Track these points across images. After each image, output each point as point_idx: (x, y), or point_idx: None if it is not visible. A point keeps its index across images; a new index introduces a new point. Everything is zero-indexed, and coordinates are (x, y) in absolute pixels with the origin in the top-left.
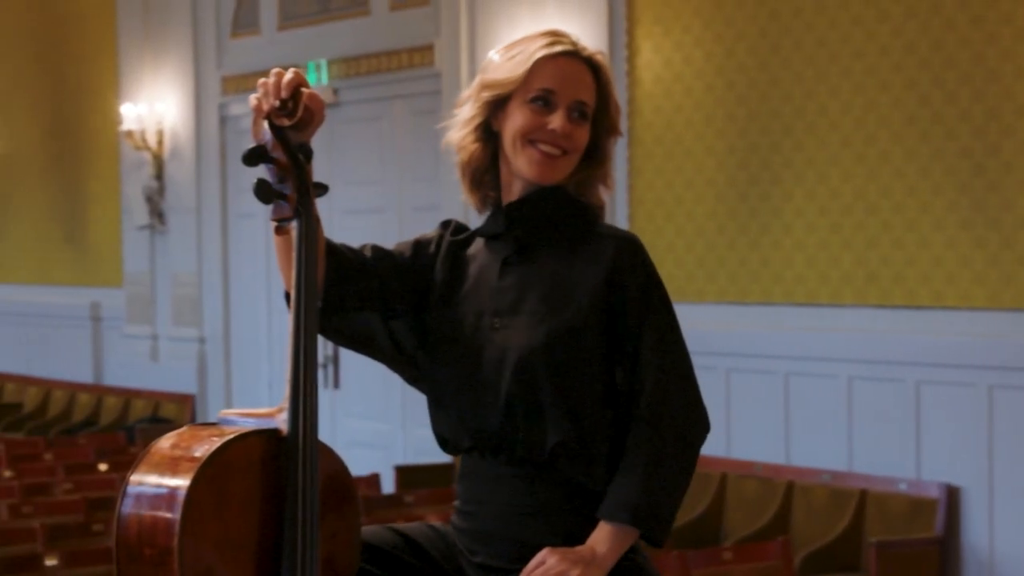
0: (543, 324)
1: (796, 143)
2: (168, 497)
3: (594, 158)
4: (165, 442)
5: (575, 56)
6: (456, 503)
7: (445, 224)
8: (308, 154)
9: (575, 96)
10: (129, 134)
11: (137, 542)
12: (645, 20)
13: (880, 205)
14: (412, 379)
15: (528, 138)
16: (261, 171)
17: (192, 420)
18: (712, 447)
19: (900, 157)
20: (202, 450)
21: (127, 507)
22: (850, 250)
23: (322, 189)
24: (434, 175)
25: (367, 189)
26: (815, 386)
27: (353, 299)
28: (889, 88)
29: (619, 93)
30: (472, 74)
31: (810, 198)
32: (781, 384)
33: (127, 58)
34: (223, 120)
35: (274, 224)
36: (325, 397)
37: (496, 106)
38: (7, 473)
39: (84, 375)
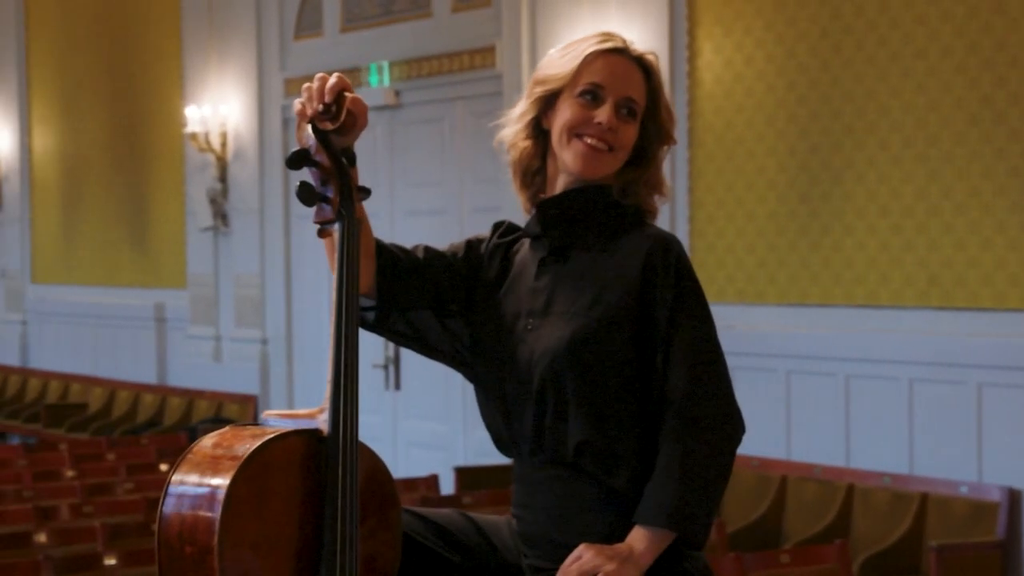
0: (570, 324)
1: (857, 144)
2: (209, 496)
3: (641, 161)
4: (207, 441)
5: (625, 54)
6: (512, 506)
7: (497, 225)
8: (351, 158)
9: (623, 92)
10: (193, 136)
11: (179, 541)
12: (706, 21)
13: (942, 206)
14: (471, 378)
15: (574, 131)
16: (305, 174)
17: (255, 421)
18: (772, 449)
19: (962, 157)
20: (243, 449)
21: (169, 506)
22: (911, 251)
23: (365, 192)
24: (495, 176)
25: (428, 190)
26: (876, 388)
27: (407, 298)
28: (951, 88)
29: (679, 94)
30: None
31: (871, 199)
32: (842, 386)
33: (191, 61)
34: (286, 122)
35: (317, 227)
36: (386, 398)
37: (547, 103)
38: (70, 473)
39: (148, 376)
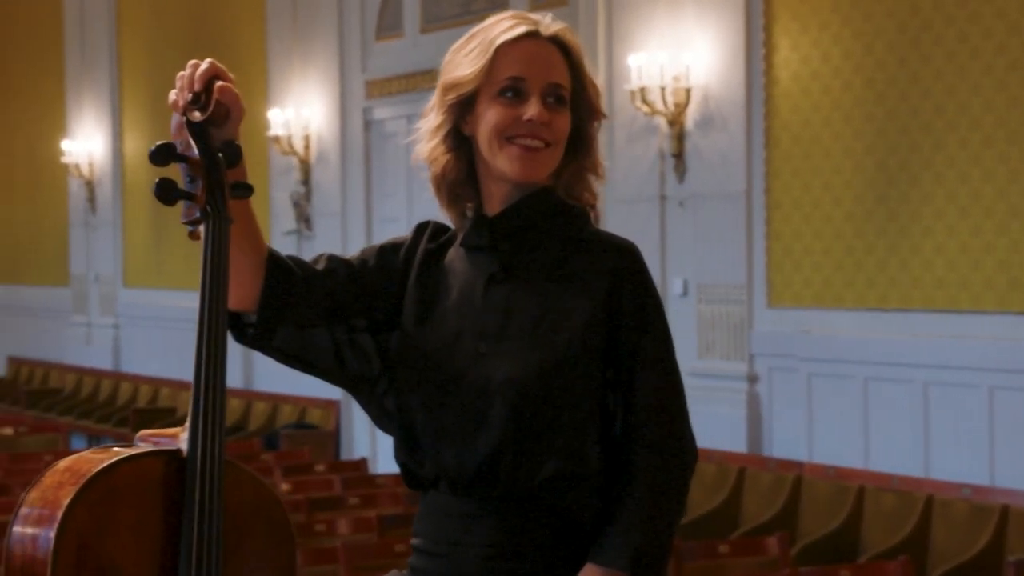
0: (536, 351)
1: (936, 142)
2: (46, 523)
3: (579, 148)
4: (65, 462)
5: (539, 36)
6: (417, 542)
7: (421, 227)
8: (234, 153)
9: (547, 79)
10: (276, 139)
11: (20, 572)
12: (783, 17)
13: (1023, 206)
14: (366, 401)
15: (504, 135)
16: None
17: (337, 427)
18: (850, 458)
19: None
20: (87, 471)
21: (14, 535)
22: (992, 254)
23: (246, 190)
24: None
25: None
26: (955, 396)
27: (295, 315)
28: None
29: (756, 92)
30: (610, 77)
31: (951, 200)
32: (920, 394)
33: (275, 64)
34: (367, 124)
35: (187, 228)
36: None
37: (463, 108)
38: None
39: (235, 380)
